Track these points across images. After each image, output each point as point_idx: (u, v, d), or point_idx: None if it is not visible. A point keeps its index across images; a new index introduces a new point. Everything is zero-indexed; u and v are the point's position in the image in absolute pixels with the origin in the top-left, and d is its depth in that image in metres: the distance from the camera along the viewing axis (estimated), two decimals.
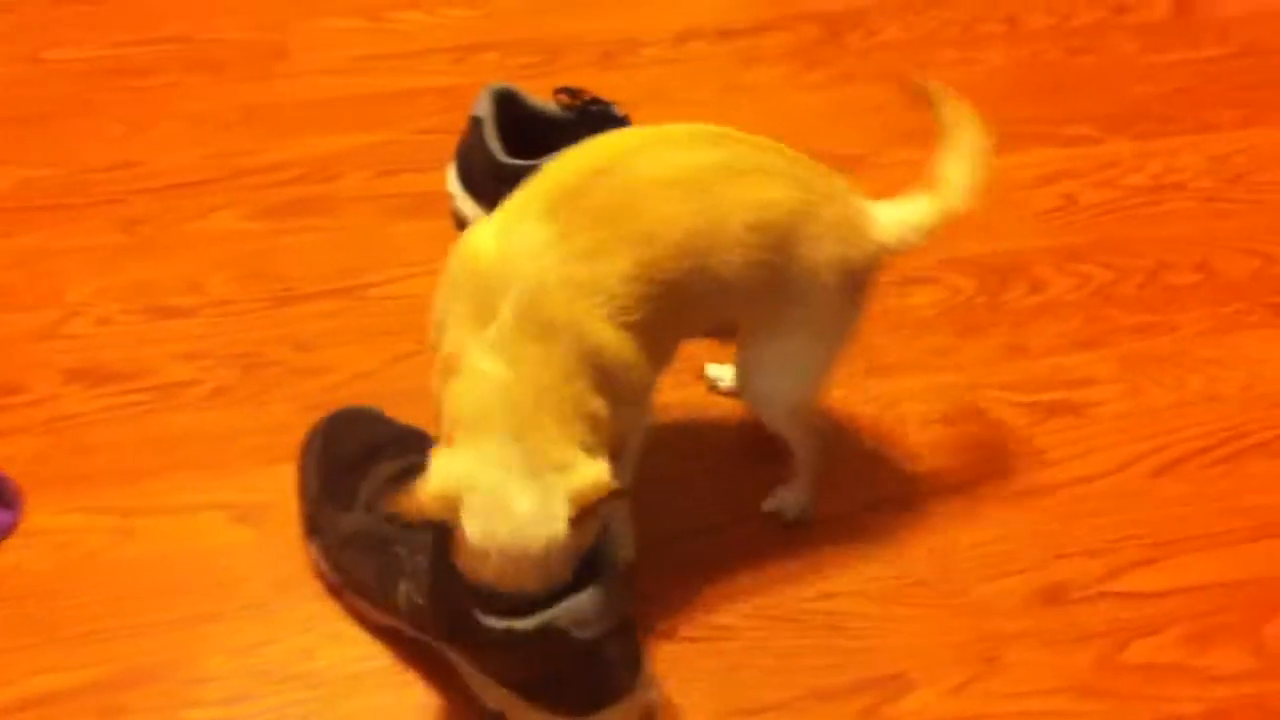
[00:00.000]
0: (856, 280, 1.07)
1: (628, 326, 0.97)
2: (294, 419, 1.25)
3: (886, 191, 1.40)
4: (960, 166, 1.11)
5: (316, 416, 1.22)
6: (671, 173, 1.00)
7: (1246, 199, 1.53)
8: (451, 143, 1.48)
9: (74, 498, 1.20)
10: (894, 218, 1.09)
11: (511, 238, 0.97)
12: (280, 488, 1.20)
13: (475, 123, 1.41)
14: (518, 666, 1.01)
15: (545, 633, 0.95)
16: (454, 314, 0.97)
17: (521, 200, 0.99)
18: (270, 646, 1.11)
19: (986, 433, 1.28)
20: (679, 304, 1.00)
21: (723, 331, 1.12)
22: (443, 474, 0.93)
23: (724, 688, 1.09)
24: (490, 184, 1.41)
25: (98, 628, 1.12)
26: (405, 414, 1.19)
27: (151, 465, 1.23)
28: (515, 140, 1.41)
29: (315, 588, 1.14)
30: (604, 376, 0.96)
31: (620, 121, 1.37)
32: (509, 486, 0.92)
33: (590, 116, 1.38)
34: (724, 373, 1.29)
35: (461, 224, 1.46)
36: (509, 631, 0.95)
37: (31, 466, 1.22)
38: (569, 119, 1.39)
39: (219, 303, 1.38)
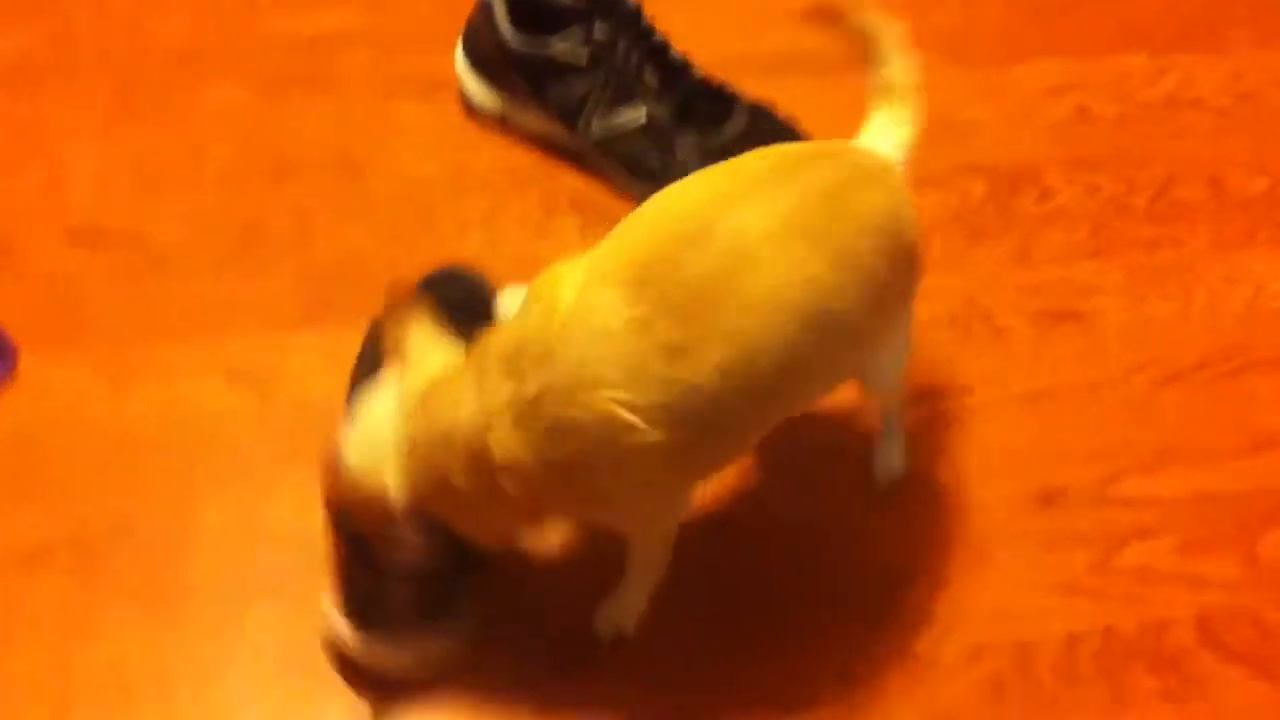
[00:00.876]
0: None
1: (686, 424, 0.86)
2: (292, 289, 1.25)
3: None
4: (899, 67, 1.04)
5: (315, 288, 1.21)
6: (781, 221, 0.88)
7: (1259, 118, 1.51)
8: (457, 23, 1.45)
9: (70, 357, 1.19)
10: (892, 147, 1.02)
11: (588, 302, 0.86)
12: (279, 356, 1.19)
13: (484, 3, 1.38)
14: None
15: None
16: (498, 329, 0.90)
17: (612, 254, 0.89)
18: (264, 509, 1.11)
19: (991, 337, 1.28)
20: (781, 390, 0.90)
21: None
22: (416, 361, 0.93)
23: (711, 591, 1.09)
24: (499, 67, 1.39)
25: (86, 486, 1.11)
26: None
27: (149, 329, 1.22)
28: (524, 22, 1.38)
29: (312, 452, 1.13)
30: (610, 475, 0.88)
31: (633, 13, 1.34)
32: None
33: (601, 5, 1.35)
34: None
35: (468, 105, 1.43)
36: None
37: (28, 323, 1.20)
38: (579, 6, 1.36)
39: (218, 174, 1.36)
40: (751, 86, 1.38)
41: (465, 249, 1.28)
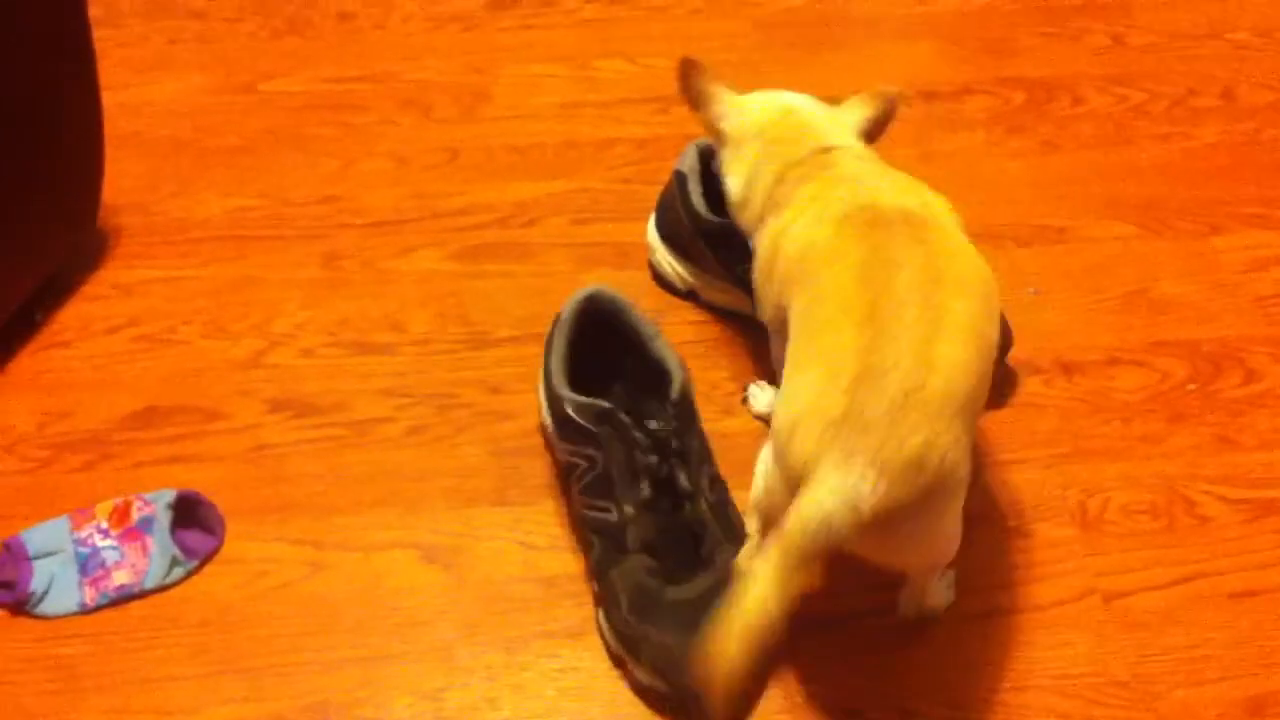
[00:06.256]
0: None
1: None
2: (484, 463, 1.27)
3: (1092, 265, 1.37)
4: None
5: (505, 461, 1.24)
6: None
7: None
8: (649, 194, 1.48)
9: (270, 527, 1.23)
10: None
11: None
12: (470, 530, 1.21)
13: (679, 177, 1.41)
14: None
15: None
16: None
17: None
18: (454, 691, 1.12)
19: (1195, 528, 1.23)
20: None
21: None
22: None
23: None
24: (690, 239, 1.40)
25: (285, 660, 1.13)
26: None
27: (346, 500, 1.25)
28: (718, 198, 1.40)
29: (500, 635, 1.15)
30: None
31: None
32: None
33: None
34: None
35: (659, 277, 1.45)
36: None
37: (230, 494, 1.24)
38: None
39: (417, 342, 1.40)
40: None
41: None
